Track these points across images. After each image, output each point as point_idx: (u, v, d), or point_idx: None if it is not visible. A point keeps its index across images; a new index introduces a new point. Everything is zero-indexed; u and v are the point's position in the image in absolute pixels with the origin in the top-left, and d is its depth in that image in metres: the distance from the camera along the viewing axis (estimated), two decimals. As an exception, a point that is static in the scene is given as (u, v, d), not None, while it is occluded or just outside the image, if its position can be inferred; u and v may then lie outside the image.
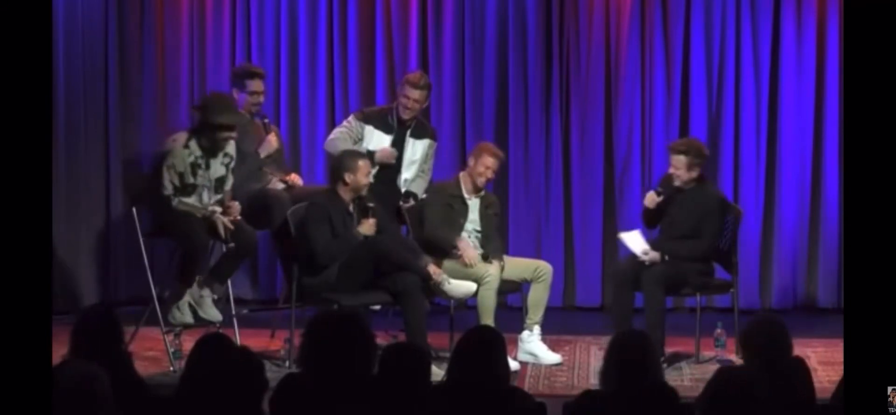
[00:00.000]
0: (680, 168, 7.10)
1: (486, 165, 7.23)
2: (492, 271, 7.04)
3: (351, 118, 7.53)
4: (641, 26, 8.48)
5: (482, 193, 7.35)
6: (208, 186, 6.82)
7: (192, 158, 6.74)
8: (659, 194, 7.15)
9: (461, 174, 7.38)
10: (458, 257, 7.10)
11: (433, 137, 7.63)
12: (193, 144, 6.75)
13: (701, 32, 8.45)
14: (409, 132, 7.44)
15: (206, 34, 8.65)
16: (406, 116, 7.39)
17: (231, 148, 6.91)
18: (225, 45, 8.65)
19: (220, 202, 6.88)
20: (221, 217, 6.78)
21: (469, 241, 7.22)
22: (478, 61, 8.57)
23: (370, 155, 7.27)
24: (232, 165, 6.93)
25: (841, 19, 8.27)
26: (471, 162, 7.31)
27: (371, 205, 6.95)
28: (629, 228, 8.23)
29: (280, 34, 8.65)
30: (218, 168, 6.86)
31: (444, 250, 7.15)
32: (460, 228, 7.26)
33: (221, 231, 6.75)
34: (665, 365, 6.85)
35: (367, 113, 7.53)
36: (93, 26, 8.42)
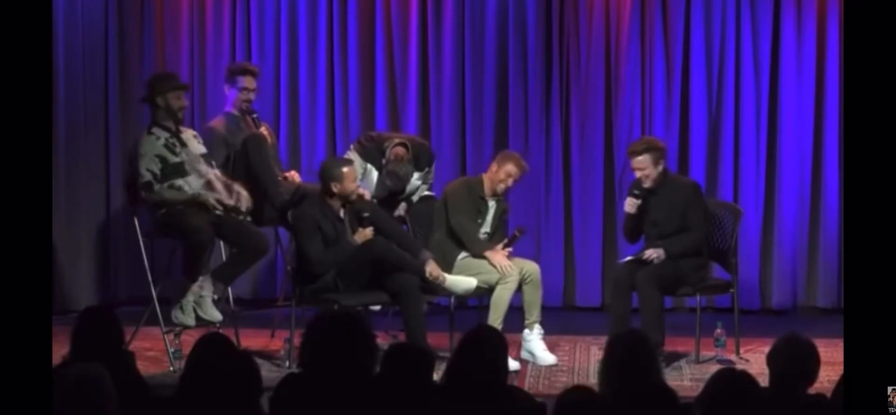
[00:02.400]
0: (647, 167, 7.04)
1: (508, 172, 7.24)
2: (515, 273, 7.07)
3: (353, 151, 7.58)
4: (641, 26, 8.47)
5: (499, 197, 7.37)
6: (198, 161, 6.89)
7: (162, 141, 6.82)
8: (636, 196, 7.09)
9: (484, 175, 7.39)
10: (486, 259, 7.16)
11: (430, 161, 7.67)
12: (156, 128, 6.86)
13: (701, 32, 8.45)
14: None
15: (206, 34, 8.65)
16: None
17: (193, 131, 7.07)
18: (225, 45, 8.65)
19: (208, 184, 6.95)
20: (208, 192, 6.82)
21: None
22: (478, 61, 8.57)
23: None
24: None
25: (841, 19, 8.27)
26: (494, 167, 7.31)
27: (366, 215, 6.98)
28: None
29: (280, 34, 8.65)
30: (195, 145, 6.94)
31: (467, 247, 7.19)
32: (478, 227, 7.29)
33: (212, 201, 6.79)
34: (665, 365, 6.86)
35: (367, 148, 7.56)
36: (93, 26, 8.42)
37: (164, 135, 6.83)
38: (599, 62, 8.49)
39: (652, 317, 6.86)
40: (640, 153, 7.05)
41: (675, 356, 7.12)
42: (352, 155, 7.55)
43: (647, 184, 7.05)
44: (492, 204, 7.33)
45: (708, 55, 8.46)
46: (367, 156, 7.53)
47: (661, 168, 7.07)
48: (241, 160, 7.19)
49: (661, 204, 7.08)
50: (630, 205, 7.11)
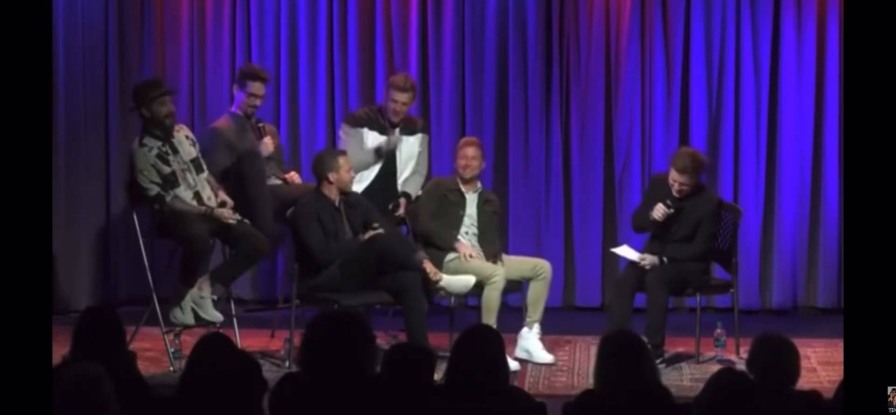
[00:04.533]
0: (685, 184, 7.07)
1: (464, 154, 7.32)
2: (499, 272, 7.07)
3: (345, 127, 7.58)
4: (641, 26, 8.47)
5: (479, 188, 7.39)
6: (188, 168, 6.88)
7: (155, 151, 6.82)
8: (669, 207, 7.09)
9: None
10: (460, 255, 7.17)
11: (423, 130, 7.70)
12: (148, 139, 6.86)
13: (701, 32, 8.45)
14: (399, 131, 7.49)
15: (206, 34, 8.65)
16: (395, 119, 7.47)
17: (186, 130, 7.06)
18: (225, 45, 8.65)
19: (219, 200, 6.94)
20: (222, 211, 6.82)
21: (464, 240, 7.26)
22: (478, 61, 8.57)
23: (378, 152, 7.39)
24: (198, 147, 7.01)
25: (841, 19, 8.27)
26: (456, 157, 7.37)
27: (376, 225, 7.00)
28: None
29: (280, 34, 8.65)
30: (188, 150, 6.93)
31: (439, 245, 7.20)
32: (459, 219, 7.30)
33: (228, 219, 6.80)
34: (665, 365, 6.87)
35: (357, 117, 7.56)
36: (93, 26, 8.42)
37: (156, 145, 6.83)
38: (599, 62, 8.49)
39: (657, 318, 6.89)
40: (681, 171, 7.04)
41: (676, 356, 7.13)
42: (343, 129, 7.55)
43: (676, 194, 7.08)
44: (470, 196, 7.35)
45: (708, 55, 8.46)
46: (358, 124, 7.49)
47: (695, 183, 7.11)
48: (235, 176, 7.13)
49: (684, 213, 7.11)
50: (660, 213, 7.08)
